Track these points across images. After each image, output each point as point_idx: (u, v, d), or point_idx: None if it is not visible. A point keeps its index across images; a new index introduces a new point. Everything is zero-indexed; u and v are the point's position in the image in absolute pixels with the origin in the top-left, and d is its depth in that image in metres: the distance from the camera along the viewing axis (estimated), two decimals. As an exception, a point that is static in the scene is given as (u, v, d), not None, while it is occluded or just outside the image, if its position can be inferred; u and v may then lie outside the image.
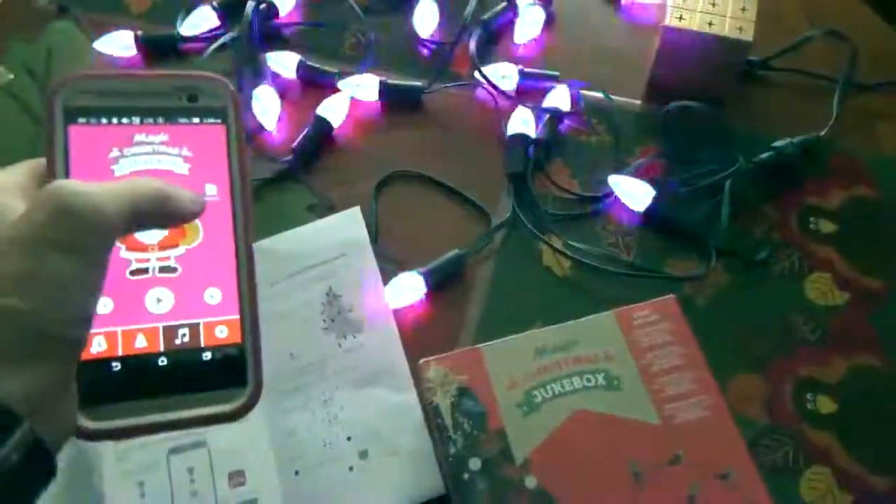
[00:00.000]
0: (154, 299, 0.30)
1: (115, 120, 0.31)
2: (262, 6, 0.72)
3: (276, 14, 0.74)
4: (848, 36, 0.71)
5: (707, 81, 0.67)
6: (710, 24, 0.64)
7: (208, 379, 0.30)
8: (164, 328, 0.30)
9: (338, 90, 0.69)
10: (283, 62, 0.70)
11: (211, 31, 0.73)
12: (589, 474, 0.43)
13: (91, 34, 0.73)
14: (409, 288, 0.59)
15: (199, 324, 0.30)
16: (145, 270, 0.30)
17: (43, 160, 0.30)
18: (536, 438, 0.44)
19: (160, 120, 0.31)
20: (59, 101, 0.30)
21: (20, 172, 0.30)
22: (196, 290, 0.31)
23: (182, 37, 0.73)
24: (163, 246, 0.31)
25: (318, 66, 0.70)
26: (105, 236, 0.26)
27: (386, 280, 0.59)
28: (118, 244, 0.30)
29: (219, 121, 0.32)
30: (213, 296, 0.31)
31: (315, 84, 0.70)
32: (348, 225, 0.62)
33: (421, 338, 0.57)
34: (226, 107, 0.32)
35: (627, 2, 0.76)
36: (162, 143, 0.31)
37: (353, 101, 0.69)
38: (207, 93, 0.32)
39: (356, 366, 0.56)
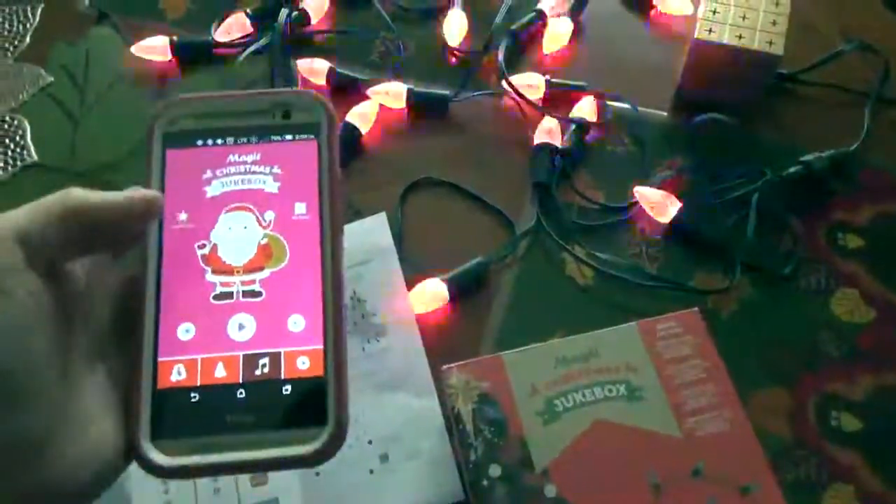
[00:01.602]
0: (236, 326, 0.29)
1: (209, 142, 0.31)
2: (295, 14, 0.74)
3: (308, 21, 0.75)
4: (881, 50, 0.70)
5: (736, 94, 0.67)
6: (740, 37, 0.64)
7: (287, 415, 0.27)
8: (245, 357, 0.28)
9: (367, 97, 0.70)
10: (314, 69, 0.72)
11: (244, 37, 0.75)
12: (608, 484, 0.43)
13: (128, 39, 0.75)
14: (433, 294, 0.59)
15: (280, 353, 0.28)
16: (230, 295, 0.29)
17: (76, 193, 0.29)
18: (556, 447, 0.44)
19: (253, 139, 0.31)
20: (160, 126, 0.31)
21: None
22: (279, 317, 0.29)
23: (216, 42, 0.74)
24: (248, 269, 0.30)
25: (347, 72, 0.71)
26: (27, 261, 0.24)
27: (410, 286, 0.60)
28: (205, 266, 0.29)
29: (311, 137, 0.31)
30: (296, 323, 0.29)
31: (344, 91, 0.71)
32: (374, 230, 0.63)
33: (443, 344, 0.58)
34: (319, 123, 0.31)
35: (656, 13, 0.76)
36: (254, 161, 0.31)
37: (382, 108, 0.70)
38: (301, 108, 0.31)
39: (378, 370, 0.57)
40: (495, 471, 0.44)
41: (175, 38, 0.73)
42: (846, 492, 0.51)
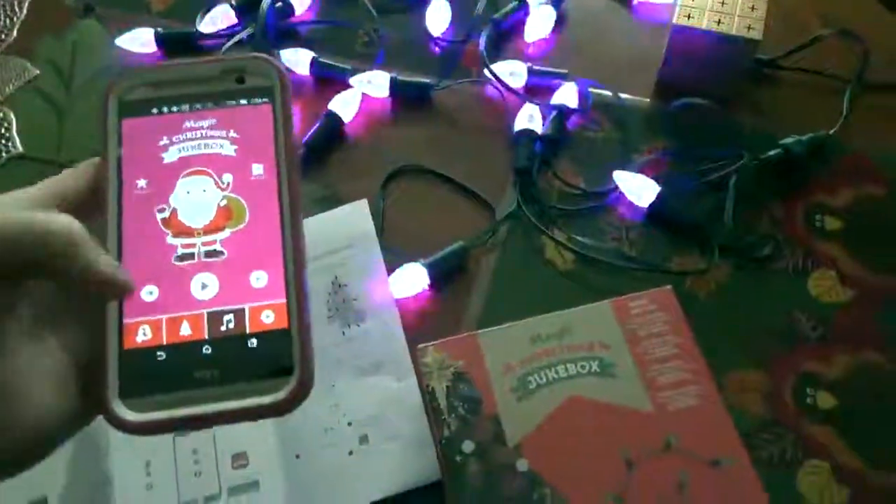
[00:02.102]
0: (199, 285, 0.29)
1: (165, 109, 0.31)
2: (278, 4, 0.74)
3: (292, 12, 0.76)
4: (860, 35, 0.70)
5: (715, 80, 0.67)
6: (719, 22, 0.65)
7: (254, 367, 0.28)
8: (209, 314, 0.29)
9: (349, 86, 0.71)
10: (297, 59, 0.72)
11: (229, 28, 0.75)
12: (581, 459, 0.44)
13: (114, 32, 0.75)
14: (413, 279, 0.60)
15: (244, 308, 0.29)
16: (191, 256, 0.30)
17: (59, 180, 0.30)
18: (530, 423, 0.45)
19: (209, 104, 0.32)
20: (114, 97, 0.31)
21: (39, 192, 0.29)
22: (242, 274, 0.30)
23: (200, 34, 0.75)
24: (208, 230, 0.30)
25: (330, 62, 0.72)
26: None
27: (391, 271, 0.60)
28: (165, 229, 0.30)
29: (266, 100, 0.32)
30: (258, 279, 0.30)
31: (328, 80, 0.72)
32: (355, 217, 0.63)
33: (424, 327, 0.58)
34: (273, 86, 0.32)
35: (637, 1, 0.77)
36: (210, 126, 0.31)
37: (365, 98, 0.71)
38: (255, 73, 0.32)
39: (359, 354, 0.57)
40: (468, 447, 0.45)
41: (160, 29, 0.74)
42: (822, 468, 0.51)
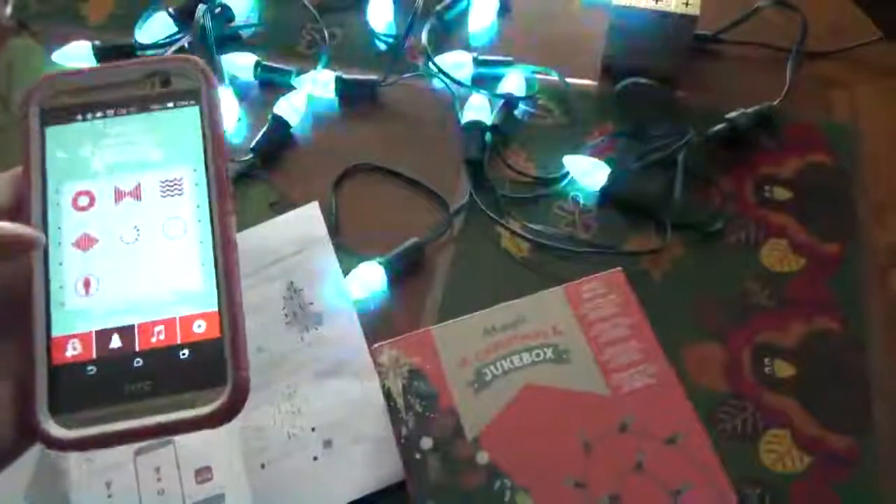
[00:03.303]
0: (128, 296, 0.29)
1: (89, 115, 0.31)
2: (217, 10, 0.73)
3: (232, 17, 0.75)
4: (797, 5, 0.71)
5: (658, 58, 0.67)
6: (657, 0, 0.65)
7: (187, 379, 0.28)
8: (140, 326, 0.29)
9: (294, 88, 0.70)
10: (240, 64, 0.71)
11: (169, 37, 0.74)
12: (539, 447, 0.44)
13: (51, 47, 0.74)
14: (370, 278, 0.59)
15: (175, 319, 0.29)
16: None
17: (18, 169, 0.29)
18: (487, 415, 0.45)
19: (133, 109, 0.31)
20: (35, 105, 0.30)
21: None
22: (172, 284, 0.29)
23: (140, 44, 0.73)
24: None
25: (274, 65, 0.71)
26: None
27: (347, 272, 0.60)
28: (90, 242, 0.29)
29: (192, 102, 0.31)
30: (189, 288, 0.29)
31: (273, 83, 0.71)
32: (307, 220, 0.63)
33: (383, 327, 0.58)
34: (198, 88, 0.31)
35: (579, -16, 0.76)
36: (135, 132, 0.31)
37: (311, 99, 0.70)
38: (180, 75, 0.31)
39: (319, 358, 0.57)
40: (426, 443, 0.44)
41: (97, 42, 0.72)
42: (782, 435, 0.52)
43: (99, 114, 0.31)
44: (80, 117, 0.31)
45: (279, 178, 0.66)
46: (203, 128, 0.31)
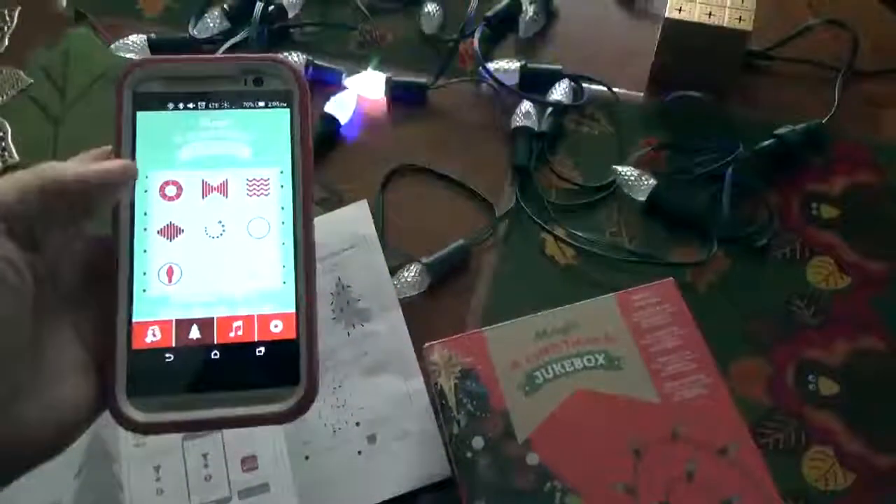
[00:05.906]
0: (210, 289, 0.30)
1: (181, 105, 0.31)
2: (271, 8, 0.74)
3: (285, 15, 0.76)
4: (849, 24, 0.71)
5: (708, 72, 0.68)
6: (710, 14, 0.65)
7: (261, 375, 0.29)
8: (219, 320, 0.29)
9: (345, 88, 0.71)
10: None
11: (222, 33, 0.75)
12: (590, 451, 0.44)
13: (107, 39, 0.75)
14: (415, 278, 0.60)
15: (253, 317, 0.29)
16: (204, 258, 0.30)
17: (52, 167, 0.29)
18: (538, 417, 0.45)
19: (225, 104, 0.31)
20: (128, 87, 0.31)
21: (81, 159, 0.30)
22: (253, 282, 0.30)
23: (194, 39, 0.75)
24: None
25: (325, 64, 0.72)
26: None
27: (393, 271, 0.60)
28: (176, 231, 0.30)
29: (283, 105, 0.31)
30: (270, 287, 0.30)
31: (323, 82, 0.72)
32: (356, 218, 0.64)
33: (427, 326, 0.58)
34: (291, 91, 0.31)
35: (630, -5, 0.77)
36: (225, 127, 0.31)
37: (360, 99, 0.71)
38: (273, 76, 0.31)
39: (365, 354, 0.58)
40: (478, 443, 0.45)
41: (153, 35, 0.74)
42: (826, 453, 0.52)
43: (191, 105, 0.31)
44: (171, 106, 0.31)
45: (328, 175, 0.67)
46: (293, 131, 0.31)
